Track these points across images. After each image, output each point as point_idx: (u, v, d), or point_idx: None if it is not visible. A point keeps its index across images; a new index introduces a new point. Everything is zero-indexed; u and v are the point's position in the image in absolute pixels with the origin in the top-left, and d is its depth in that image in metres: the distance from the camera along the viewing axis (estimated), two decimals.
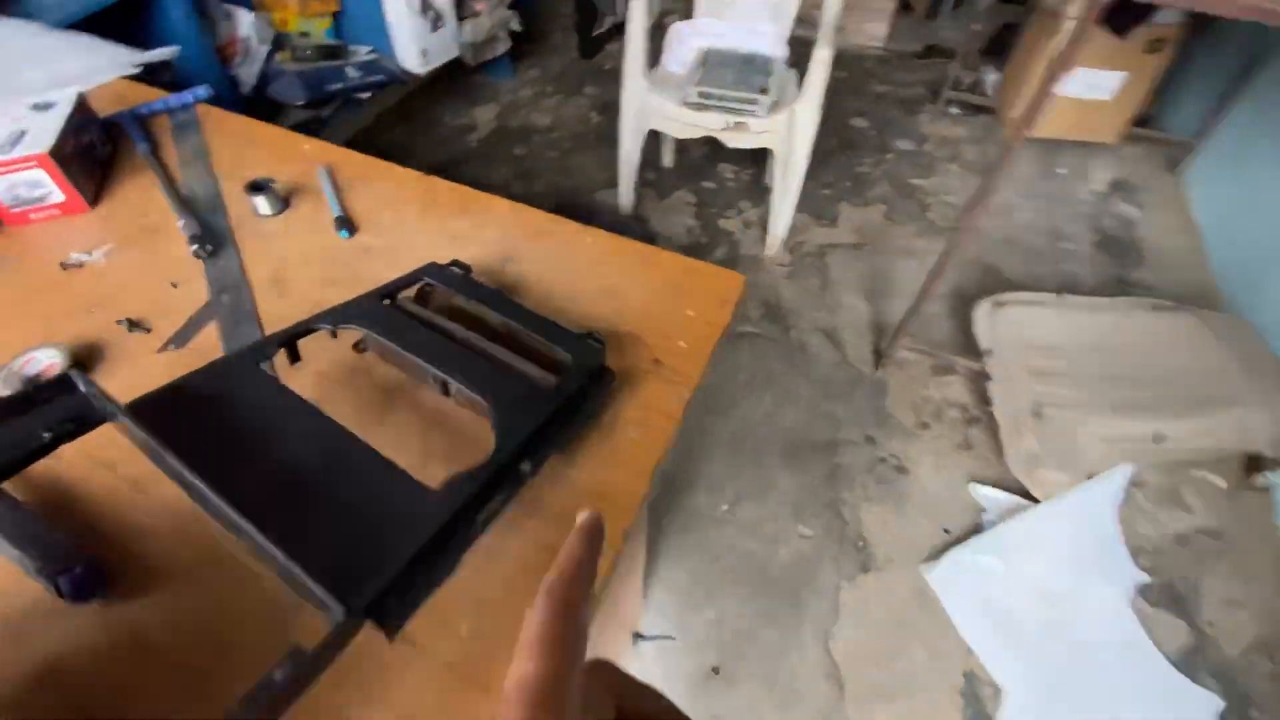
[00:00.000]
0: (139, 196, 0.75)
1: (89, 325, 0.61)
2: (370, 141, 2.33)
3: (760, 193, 2.31)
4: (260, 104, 1.92)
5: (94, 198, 0.74)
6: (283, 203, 0.74)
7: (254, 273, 0.67)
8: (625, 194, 2.14)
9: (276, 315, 0.63)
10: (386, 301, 0.57)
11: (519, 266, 0.68)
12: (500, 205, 0.75)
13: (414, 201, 0.75)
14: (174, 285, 0.65)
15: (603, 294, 0.65)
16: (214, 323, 0.62)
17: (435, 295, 0.61)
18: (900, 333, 1.73)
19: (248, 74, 1.92)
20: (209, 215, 0.73)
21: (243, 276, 0.66)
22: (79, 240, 0.70)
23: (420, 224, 0.72)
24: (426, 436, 0.54)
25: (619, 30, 3.07)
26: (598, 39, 2.97)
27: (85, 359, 0.58)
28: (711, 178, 2.40)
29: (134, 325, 0.61)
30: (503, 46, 2.51)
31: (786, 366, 1.83)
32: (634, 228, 2.11)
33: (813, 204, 2.29)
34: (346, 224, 0.71)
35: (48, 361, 0.57)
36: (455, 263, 0.62)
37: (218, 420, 0.43)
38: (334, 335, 0.55)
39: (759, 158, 2.30)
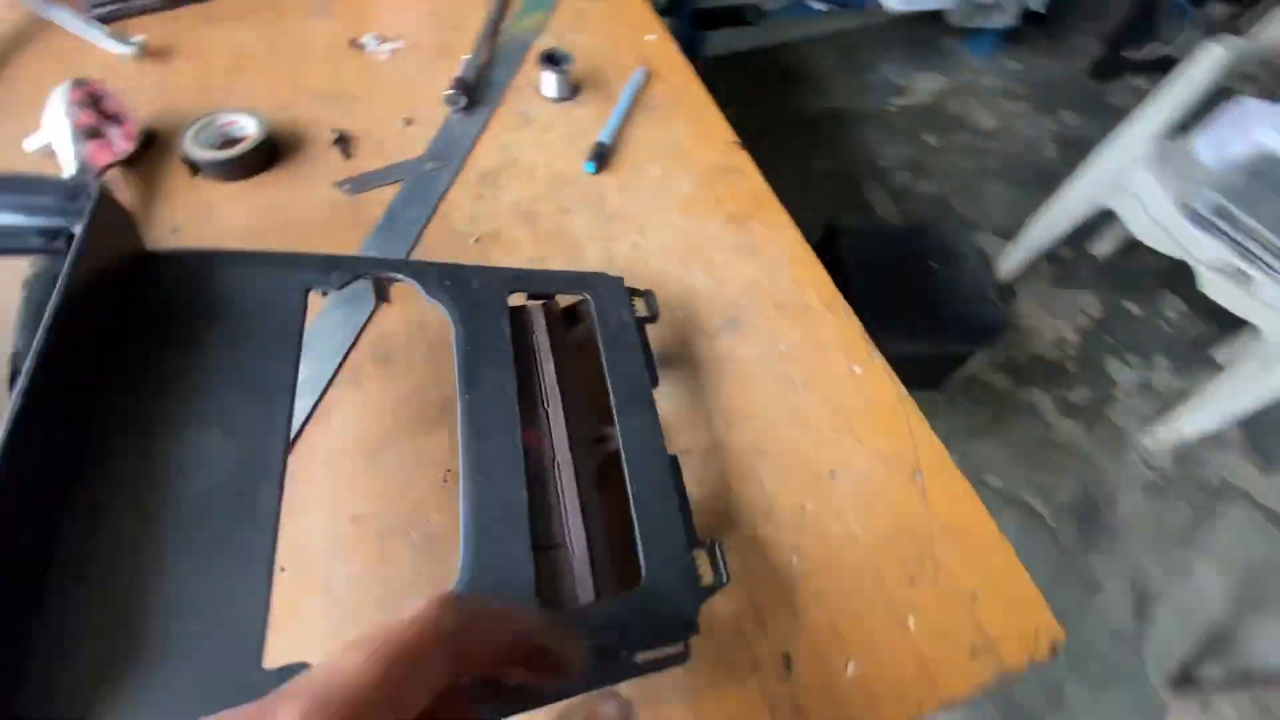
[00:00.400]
0: (468, 5, 0.66)
1: (314, 114, 0.55)
2: (789, 56, 2.10)
3: (1198, 363, 1.61)
4: None
5: None
6: (570, 90, 0.58)
7: (477, 157, 0.53)
8: (1015, 257, 1.64)
9: (451, 222, 0.49)
10: (515, 299, 0.39)
11: (728, 346, 0.44)
12: (787, 238, 0.50)
13: (697, 170, 0.54)
14: (407, 122, 0.55)
15: (800, 473, 0.39)
16: (397, 187, 0.51)
17: (584, 323, 0.41)
18: (1252, 682, 1.10)
19: None
20: (500, 64, 0.61)
21: (465, 155, 0.53)
22: (385, 23, 0.63)
23: (677, 206, 0.51)
24: (439, 496, 0.37)
25: (1160, 66, 2.28)
26: (1125, 64, 2.24)
27: (278, 147, 0.52)
28: (1144, 303, 1.73)
29: (341, 141, 0.53)
30: (1002, 20, 2.01)
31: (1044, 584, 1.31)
32: (991, 299, 1.64)
33: (1262, 428, 1.53)
34: (600, 157, 0.53)
35: (245, 132, 0.51)
36: (646, 296, 0.41)
37: (180, 351, 0.31)
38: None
39: (1230, 321, 1.58)
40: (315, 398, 0.41)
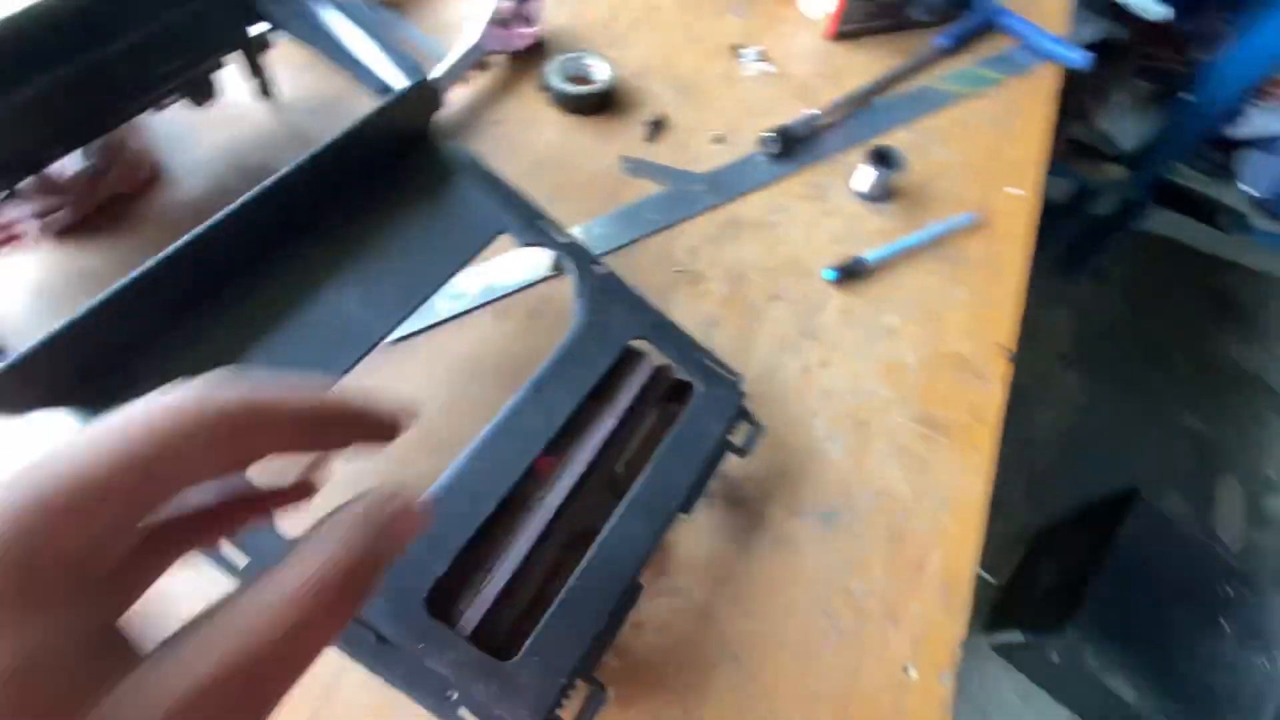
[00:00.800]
0: (870, 66, 0.63)
1: (658, 92, 0.58)
2: (1241, 282, 1.65)
3: None
4: (1220, 145, 1.46)
5: (847, 35, 0.65)
6: (882, 195, 0.53)
7: (745, 203, 0.52)
8: None
9: (672, 244, 0.49)
10: (635, 347, 0.37)
11: (802, 533, 0.38)
12: (969, 483, 0.41)
13: (934, 347, 0.46)
14: (717, 140, 0.56)
15: (752, 713, 0.33)
16: (661, 188, 0.52)
17: (675, 402, 0.37)
18: None
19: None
20: (842, 132, 0.58)
21: (736, 195, 0.53)
22: (778, 45, 0.64)
23: (880, 368, 0.45)
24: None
25: None
26: None
27: (610, 102, 0.57)
28: None
29: (654, 124, 0.56)
30: None
31: None
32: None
33: None
34: (849, 272, 0.48)
35: (596, 78, 0.57)
36: (755, 428, 0.37)
37: (387, 219, 0.36)
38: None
39: None
40: (468, 307, 0.45)
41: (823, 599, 0.36)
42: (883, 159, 0.52)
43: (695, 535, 0.37)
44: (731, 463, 0.38)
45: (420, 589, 0.29)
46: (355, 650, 0.29)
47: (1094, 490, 1.26)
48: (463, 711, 0.29)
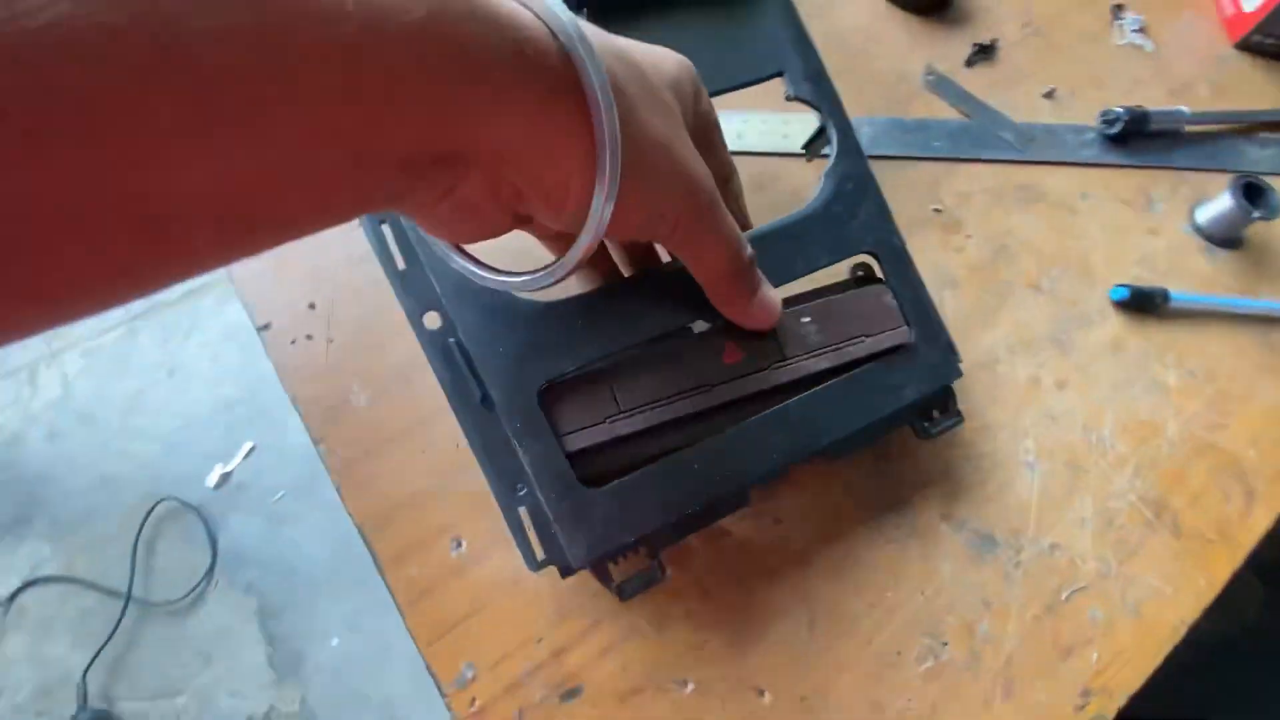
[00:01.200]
0: (1271, 91, 0.49)
1: (999, 15, 0.49)
2: None
3: None
4: None
5: (1256, 48, 0.51)
6: (1227, 238, 0.41)
7: (1041, 172, 0.43)
8: None
9: (945, 180, 0.42)
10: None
11: (947, 546, 0.31)
12: (1170, 605, 0.32)
13: (1207, 431, 0.36)
14: (1047, 94, 0.46)
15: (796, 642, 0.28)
16: (956, 116, 0.44)
17: (876, 354, 0.32)
18: None
19: None
20: (1207, 148, 0.45)
21: (1039, 162, 0.43)
22: (1162, 22, 0.51)
23: (1123, 424, 0.35)
24: None
25: None
26: None
27: (936, 4, 0.48)
28: None
29: (982, 49, 0.47)
30: None
31: None
32: None
33: None
34: (1142, 302, 0.38)
35: None
36: (955, 415, 0.30)
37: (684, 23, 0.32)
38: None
39: None
40: None
41: (937, 618, 0.30)
42: (1253, 195, 0.40)
43: (825, 483, 0.32)
44: (899, 434, 0.32)
45: (541, 376, 0.26)
46: (458, 401, 0.27)
47: (1217, 709, 1.06)
48: (522, 510, 0.27)
